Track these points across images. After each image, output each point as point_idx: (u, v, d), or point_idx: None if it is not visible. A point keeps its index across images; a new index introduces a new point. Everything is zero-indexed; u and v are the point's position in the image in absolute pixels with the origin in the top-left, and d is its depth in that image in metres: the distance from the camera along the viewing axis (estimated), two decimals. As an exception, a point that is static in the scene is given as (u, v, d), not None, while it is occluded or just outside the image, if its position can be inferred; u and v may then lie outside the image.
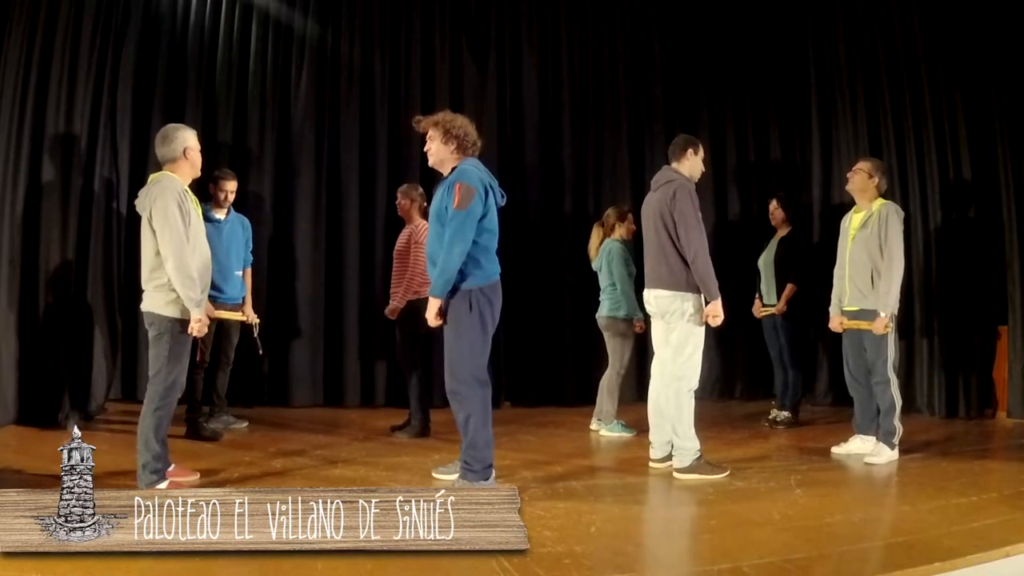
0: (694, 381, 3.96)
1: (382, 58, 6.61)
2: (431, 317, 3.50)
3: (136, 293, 5.94)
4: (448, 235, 3.41)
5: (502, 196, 3.62)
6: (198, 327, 3.43)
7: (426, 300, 4.73)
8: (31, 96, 5.00)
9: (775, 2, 6.96)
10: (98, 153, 5.41)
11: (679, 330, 3.94)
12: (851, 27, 6.27)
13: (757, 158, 7.13)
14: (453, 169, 3.56)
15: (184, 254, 3.38)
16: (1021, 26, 5.39)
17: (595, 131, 6.90)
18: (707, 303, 3.89)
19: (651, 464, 4.08)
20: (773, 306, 5.46)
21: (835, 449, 4.41)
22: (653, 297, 4.03)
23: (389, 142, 6.55)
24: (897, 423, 4.21)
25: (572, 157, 6.78)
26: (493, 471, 3.50)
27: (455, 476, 3.59)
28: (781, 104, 7.03)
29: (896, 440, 4.20)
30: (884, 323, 4.19)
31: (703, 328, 3.96)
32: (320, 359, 6.33)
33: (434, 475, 3.77)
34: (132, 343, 5.99)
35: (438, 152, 3.59)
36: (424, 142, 3.68)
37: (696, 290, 3.90)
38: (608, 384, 5.21)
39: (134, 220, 5.90)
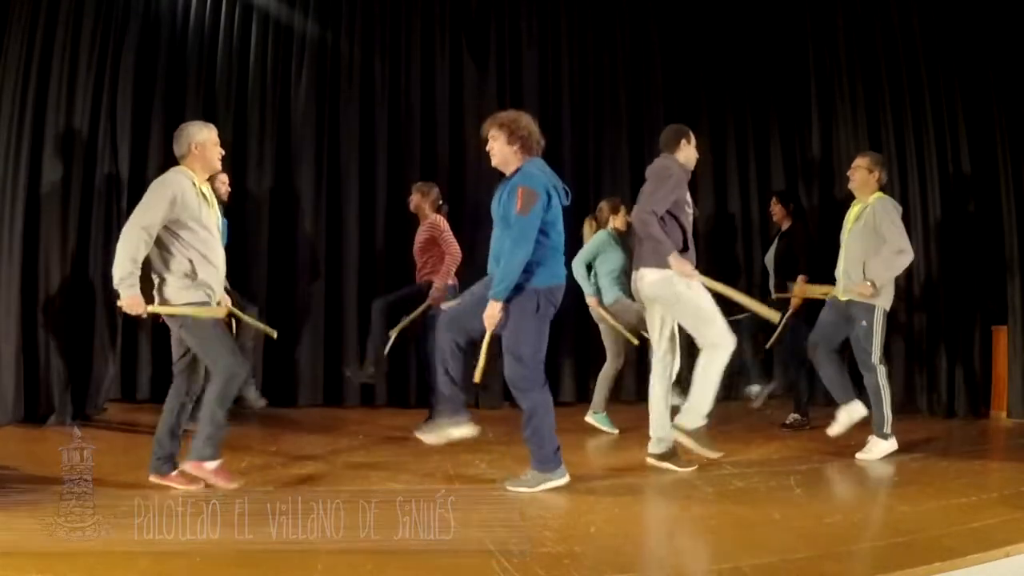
0: (731, 347, 3.93)
1: (382, 58, 6.61)
2: (492, 320, 3.48)
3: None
4: (511, 240, 3.43)
5: (567, 195, 3.63)
6: (126, 304, 3.41)
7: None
8: (31, 95, 5.00)
9: (775, 1, 6.97)
10: (98, 153, 5.41)
11: (681, 309, 3.96)
12: (851, 25, 6.27)
13: (757, 157, 7.13)
14: (517, 170, 3.56)
15: (135, 235, 3.38)
16: (1020, 24, 5.39)
17: (595, 131, 6.90)
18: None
19: (648, 459, 4.08)
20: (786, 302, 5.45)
21: (830, 431, 4.42)
22: (642, 280, 4.05)
23: (389, 142, 6.54)
24: (887, 411, 4.25)
25: (572, 157, 6.77)
26: (561, 459, 3.56)
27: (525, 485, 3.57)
28: (781, 103, 7.03)
29: (888, 429, 4.24)
30: (868, 288, 4.22)
31: (705, 294, 3.94)
32: (320, 359, 6.33)
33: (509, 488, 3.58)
34: (132, 343, 5.99)
35: (501, 152, 3.59)
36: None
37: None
38: (603, 375, 5.27)
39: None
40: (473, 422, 3.70)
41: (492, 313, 3.47)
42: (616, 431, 5.12)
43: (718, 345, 3.93)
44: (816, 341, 4.50)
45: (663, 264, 3.90)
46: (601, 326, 5.34)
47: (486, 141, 3.65)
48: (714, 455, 3.92)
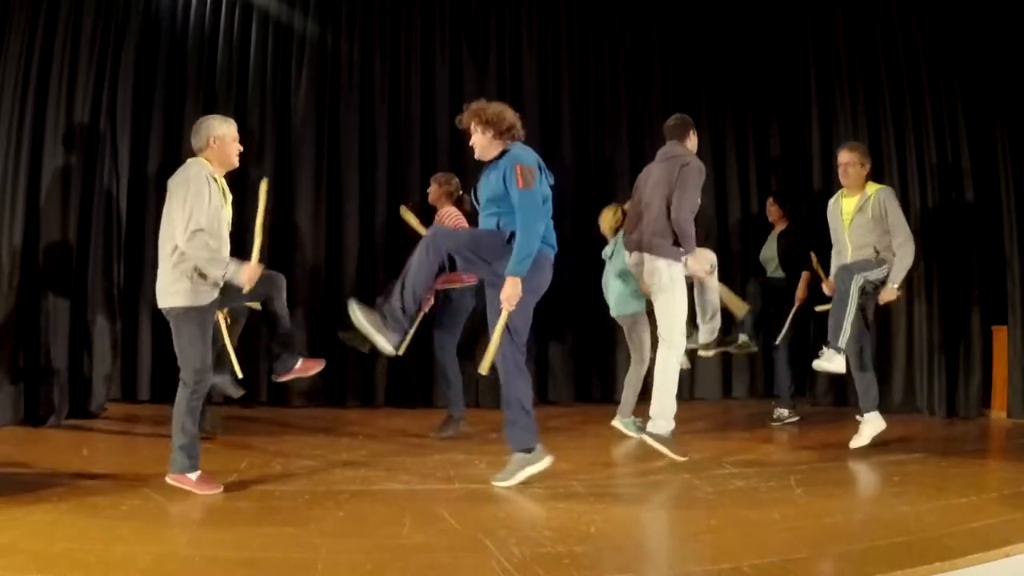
0: (682, 348, 4.23)
1: (382, 58, 6.60)
2: (512, 299, 3.45)
3: (135, 292, 6.00)
4: (523, 217, 3.45)
5: (549, 177, 3.68)
6: (247, 281, 3.47)
7: (457, 290, 4.87)
8: (31, 93, 5.00)
9: (775, 1, 6.96)
10: (98, 153, 5.40)
11: (661, 299, 4.20)
12: (851, 24, 6.27)
13: (757, 156, 7.13)
14: (503, 153, 3.59)
15: (199, 241, 3.38)
16: (1020, 21, 5.39)
17: (595, 131, 6.89)
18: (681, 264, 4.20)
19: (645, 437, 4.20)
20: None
21: (853, 444, 4.41)
22: (634, 264, 4.32)
23: (389, 141, 6.54)
24: (847, 324, 4.28)
25: (572, 157, 6.77)
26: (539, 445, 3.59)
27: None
28: (781, 102, 7.03)
29: (842, 343, 4.27)
30: (894, 292, 4.43)
31: (684, 295, 4.20)
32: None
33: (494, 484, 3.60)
34: (132, 342, 5.99)
35: (481, 143, 3.64)
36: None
37: (676, 258, 4.15)
38: (629, 378, 5.12)
39: (133, 221, 5.95)
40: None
41: (513, 292, 3.43)
42: (638, 436, 4.99)
43: (672, 343, 4.18)
44: (853, 357, 4.47)
45: (662, 253, 4.16)
46: (626, 328, 5.21)
47: (467, 134, 3.69)
48: (681, 458, 4.06)
